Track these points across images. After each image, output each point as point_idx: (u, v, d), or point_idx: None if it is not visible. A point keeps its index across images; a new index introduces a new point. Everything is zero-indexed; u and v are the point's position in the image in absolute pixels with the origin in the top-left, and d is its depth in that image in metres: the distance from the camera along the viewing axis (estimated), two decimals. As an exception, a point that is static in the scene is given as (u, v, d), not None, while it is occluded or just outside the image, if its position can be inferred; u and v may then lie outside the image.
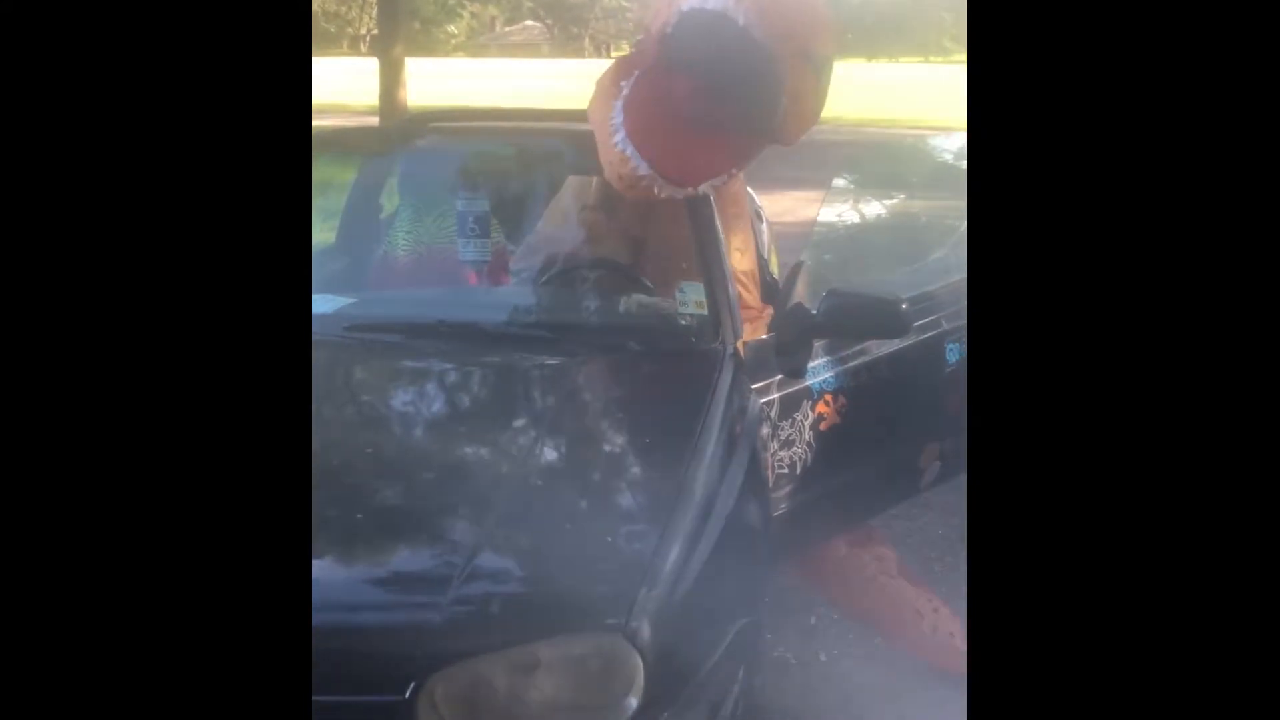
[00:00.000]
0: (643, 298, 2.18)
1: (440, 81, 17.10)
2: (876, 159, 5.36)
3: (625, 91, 2.12)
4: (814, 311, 2.08)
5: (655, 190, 2.07)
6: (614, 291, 2.23)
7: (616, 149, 2.07)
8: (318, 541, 1.42)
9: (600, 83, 2.18)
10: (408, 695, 1.29)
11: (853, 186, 3.66)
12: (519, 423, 1.91)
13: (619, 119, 2.08)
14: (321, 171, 2.58)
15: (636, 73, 2.13)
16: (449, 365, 2.09)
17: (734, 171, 2.19)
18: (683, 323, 2.10)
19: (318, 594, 1.27)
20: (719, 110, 2.06)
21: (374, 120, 10.72)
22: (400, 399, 2.07)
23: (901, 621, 2.45)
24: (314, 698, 1.13)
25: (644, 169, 2.05)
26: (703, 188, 2.12)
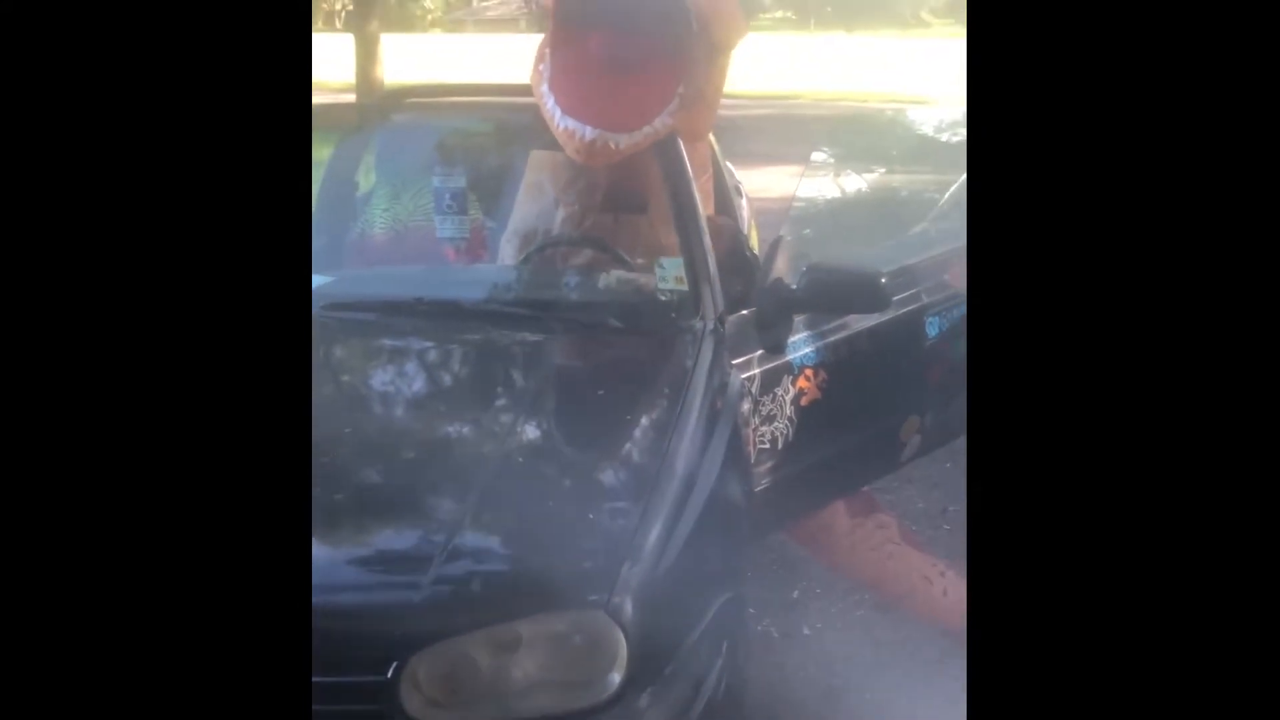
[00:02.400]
0: (622, 273, 2.17)
1: (416, 58, 16.95)
2: (856, 133, 5.34)
3: (546, 71, 2.13)
4: (794, 286, 2.07)
5: (613, 146, 2.06)
6: (593, 268, 2.21)
7: (561, 128, 2.08)
8: (297, 522, 1.42)
9: (531, 79, 2.19)
10: (390, 675, 1.29)
11: (832, 160, 3.64)
12: (499, 401, 1.90)
13: (550, 100, 2.10)
14: (296, 149, 2.53)
15: (547, 51, 2.15)
16: (428, 343, 2.07)
17: (680, 92, 2.11)
18: (663, 299, 2.09)
19: (298, 575, 1.26)
20: (632, 43, 2.05)
21: (350, 97, 10.60)
22: (379, 378, 2.05)
23: (912, 588, 2.47)
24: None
25: (590, 132, 2.05)
26: (656, 123, 2.09)
